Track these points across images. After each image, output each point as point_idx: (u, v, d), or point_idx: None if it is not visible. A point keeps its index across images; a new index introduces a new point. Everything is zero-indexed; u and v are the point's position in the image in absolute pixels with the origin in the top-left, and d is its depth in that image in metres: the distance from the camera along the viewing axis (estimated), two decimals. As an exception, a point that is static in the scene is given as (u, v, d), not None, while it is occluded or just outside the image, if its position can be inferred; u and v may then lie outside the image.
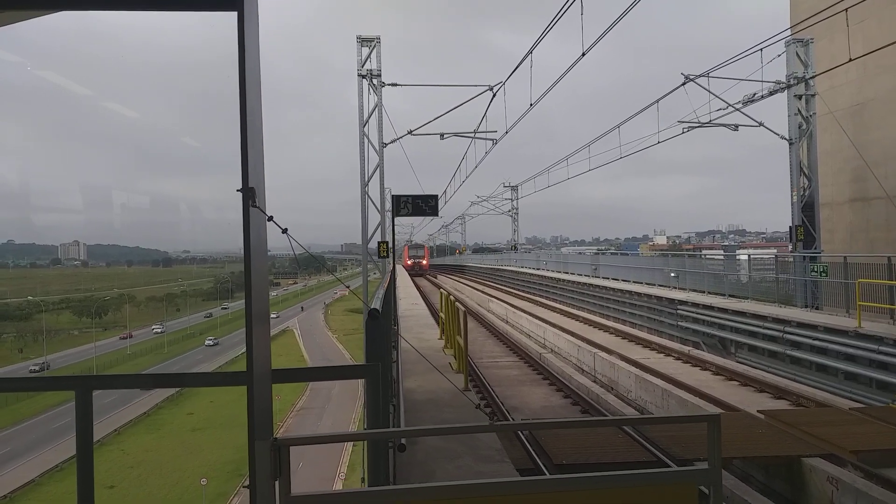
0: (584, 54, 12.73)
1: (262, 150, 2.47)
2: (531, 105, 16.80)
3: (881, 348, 13.62)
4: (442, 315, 15.87)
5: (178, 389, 65.55)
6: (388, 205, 25.08)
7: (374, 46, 21.69)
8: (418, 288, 44.88)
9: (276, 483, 2.34)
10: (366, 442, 3.91)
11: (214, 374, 3.33)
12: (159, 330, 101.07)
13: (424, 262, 79.63)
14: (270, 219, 2.41)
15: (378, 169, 22.13)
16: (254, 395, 2.27)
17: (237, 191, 2.28)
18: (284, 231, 2.51)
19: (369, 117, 22.12)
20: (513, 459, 7.34)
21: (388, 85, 21.85)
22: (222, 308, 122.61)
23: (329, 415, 55.29)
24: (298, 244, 2.63)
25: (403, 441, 4.25)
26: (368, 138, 21.96)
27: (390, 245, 20.97)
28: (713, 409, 12.54)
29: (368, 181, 22.02)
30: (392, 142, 22.16)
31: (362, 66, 21.79)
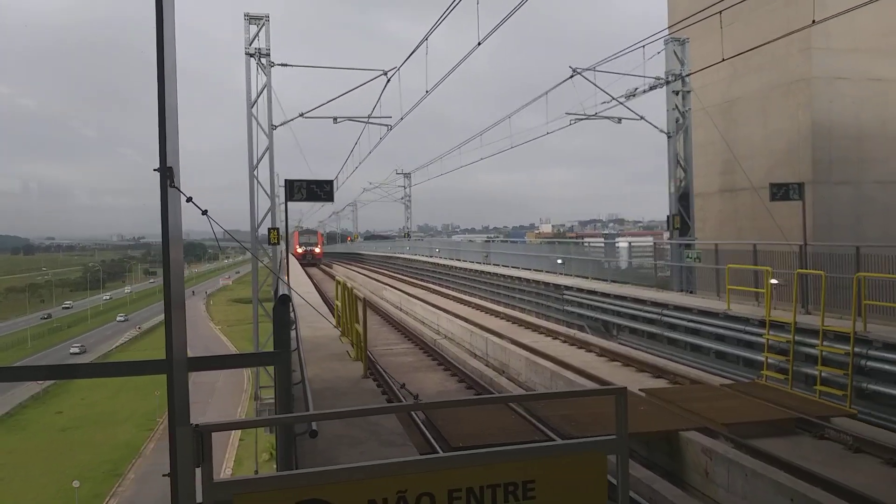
0: (479, 44, 12.93)
1: (177, 128, 2.36)
2: (427, 92, 16.90)
3: (747, 328, 14.78)
4: (338, 303, 15.71)
5: (43, 387, 61.12)
6: (278, 190, 24.42)
7: (263, 25, 20.96)
8: (310, 277, 44.05)
9: (198, 470, 2.27)
10: (276, 429, 3.85)
11: (130, 363, 3.14)
12: None
13: (317, 249, 71.30)
14: (190, 200, 2.31)
15: (268, 152, 21.47)
16: (174, 381, 2.19)
17: (154, 170, 2.16)
18: (204, 213, 2.41)
19: (257, 98, 21.41)
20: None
21: (278, 65, 21.23)
22: (63, 307, 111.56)
23: (213, 409, 53.32)
24: (221, 227, 2.54)
25: (315, 427, 4.20)
26: (257, 120, 21.26)
27: (282, 232, 20.47)
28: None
29: (257, 165, 21.34)
30: (282, 124, 21.56)
31: (250, 45, 21.03)
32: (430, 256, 47.49)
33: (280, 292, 4.17)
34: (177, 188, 2.23)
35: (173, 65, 2.34)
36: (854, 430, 9.55)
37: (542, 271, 28.44)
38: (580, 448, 2.68)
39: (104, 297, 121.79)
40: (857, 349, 11.57)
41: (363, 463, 2.44)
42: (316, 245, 71.68)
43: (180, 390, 2.25)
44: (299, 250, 67.62)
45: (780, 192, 16.31)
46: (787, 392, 11.75)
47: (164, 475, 2.39)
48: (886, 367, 11.47)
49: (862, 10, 13.95)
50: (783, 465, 8.63)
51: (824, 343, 11.95)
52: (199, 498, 2.29)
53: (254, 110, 21.09)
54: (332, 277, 35.72)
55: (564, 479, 2.61)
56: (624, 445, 2.69)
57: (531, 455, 2.62)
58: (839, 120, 22.05)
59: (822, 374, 11.83)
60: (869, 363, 11.72)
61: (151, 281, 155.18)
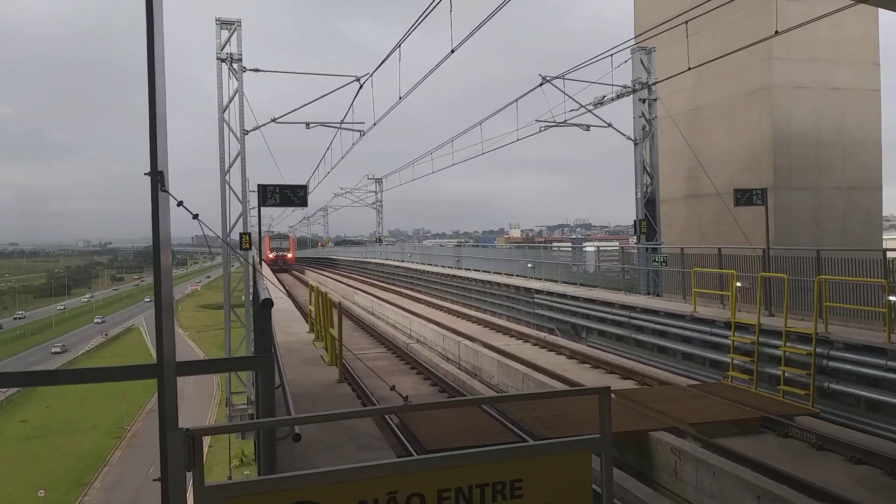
0: (453, 51, 13.05)
1: (166, 133, 2.38)
2: (400, 98, 16.96)
3: (713, 330, 15.08)
4: (311, 308, 15.65)
5: (6, 395, 59.57)
6: (250, 195, 24.20)
7: (235, 30, 20.83)
8: (281, 283, 43.69)
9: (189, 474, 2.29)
10: (260, 433, 3.87)
11: (118, 368, 3.12)
12: None
13: (289, 255, 68.26)
14: (181, 204, 2.33)
15: (239, 157, 21.29)
16: (164, 386, 2.21)
17: (145, 174, 2.19)
18: (195, 217, 2.44)
19: (229, 103, 21.25)
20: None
21: (250, 70, 21.09)
22: (15, 318, 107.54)
23: (183, 416, 52.23)
24: (211, 231, 2.57)
25: (298, 430, 4.22)
26: (228, 125, 21.08)
27: (255, 237, 20.32)
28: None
29: (229, 170, 21.15)
30: (254, 129, 21.41)
31: (221, 50, 20.88)
32: (402, 261, 47.47)
33: (262, 297, 4.18)
34: (167, 192, 2.25)
35: (163, 72, 2.37)
36: (817, 429, 9.83)
37: (512, 275, 28.65)
38: (566, 447, 2.77)
39: (58, 307, 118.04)
40: (818, 350, 11.91)
41: (354, 465, 2.49)
42: (288, 250, 68.88)
43: (170, 394, 2.28)
44: (271, 256, 64.93)
45: (744, 197, 16.73)
46: (752, 392, 12.03)
47: (154, 480, 2.40)
48: (847, 366, 11.82)
49: (821, 21, 14.41)
50: (750, 463, 8.85)
51: (787, 344, 12.27)
52: (189, 502, 2.31)
53: (225, 115, 20.92)
54: (305, 284, 35.50)
55: (551, 477, 2.69)
56: (608, 444, 2.78)
57: (519, 454, 2.70)
58: (799, 128, 22.68)
59: (786, 374, 12.14)
60: (830, 363, 12.07)
61: (115, 288, 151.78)
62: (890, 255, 13.02)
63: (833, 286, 13.18)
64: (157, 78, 2.25)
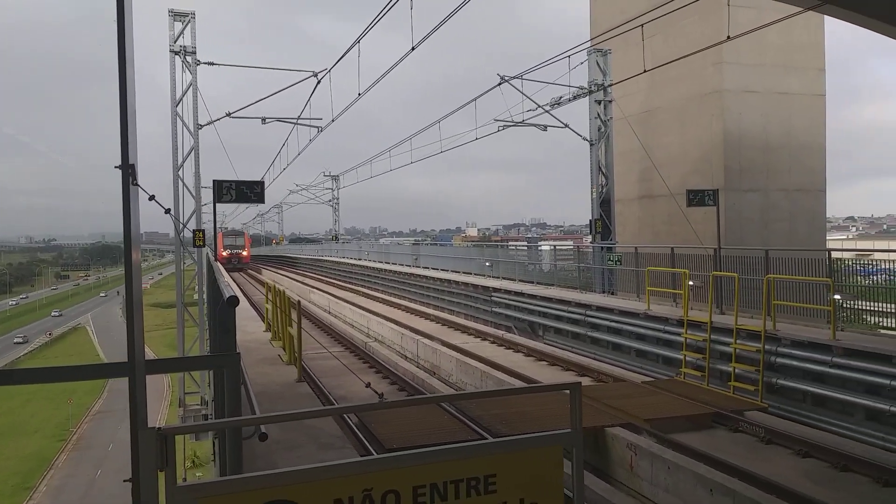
0: (413, 48, 13.03)
1: (136, 124, 2.32)
2: (359, 95, 16.84)
3: (666, 328, 15.44)
4: (268, 306, 15.43)
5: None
6: (203, 190, 23.70)
7: (189, 22, 20.38)
8: (235, 282, 42.94)
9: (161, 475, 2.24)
10: (225, 433, 3.81)
11: (89, 367, 3.01)
12: None
13: (244, 252, 64.16)
14: (153, 198, 2.28)
15: (193, 152, 20.83)
16: (135, 384, 2.16)
17: (115, 167, 2.13)
18: (167, 211, 2.38)
19: (182, 97, 20.78)
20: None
21: (205, 63, 20.67)
22: None
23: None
24: (184, 226, 2.51)
25: (264, 430, 4.15)
26: (182, 119, 20.61)
27: (210, 234, 19.89)
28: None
29: (182, 165, 20.67)
30: (209, 123, 20.97)
31: (175, 42, 20.41)
32: (359, 259, 47.19)
33: (226, 294, 4.11)
34: (139, 186, 2.20)
35: (133, 62, 2.31)
36: (765, 423, 10.13)
37: (470, 273, 28.78)
38: (538, 442, 2.80)
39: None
40: (767, 346, 12.30)
41: (328, 462, 2.47)
42: (243, 248, 64.85)
43: (141, 393, 2.22)
44: (224, 254, 61.15)
45: (696, 198, 17.17)
46: (704, 388, 12.34)
47: (124, 480, 2.34)
48: (794, 363, 12.24)
49: (770, 28, 14.86)
50: (702, 457, 9.06)
51: (738, 341, 12.62)
52: (161, 503, 2.26)
53: (178, 109, 20.44)
54: (261, 283, 35.01)
55: (523, 471, 2.72)
56: (579, 438, 2.83)
57: (492, 450, 2.72)
58: (748, 131, 23.36)
59: (736, 370, 12.50)
60: (778, 360, 12.48)
61: (54, 288, 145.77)
62: (834, 255, 13.54)
63: (781, 285, 13.62)
64: (127, 69, 2.19)
